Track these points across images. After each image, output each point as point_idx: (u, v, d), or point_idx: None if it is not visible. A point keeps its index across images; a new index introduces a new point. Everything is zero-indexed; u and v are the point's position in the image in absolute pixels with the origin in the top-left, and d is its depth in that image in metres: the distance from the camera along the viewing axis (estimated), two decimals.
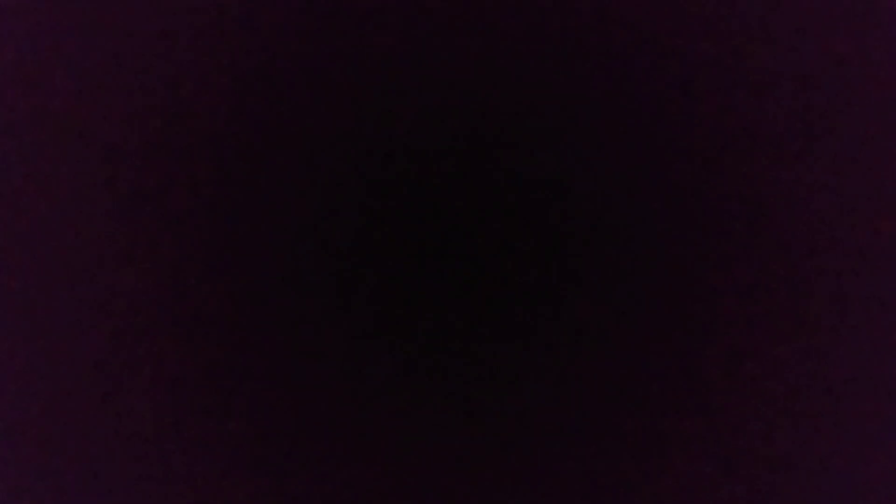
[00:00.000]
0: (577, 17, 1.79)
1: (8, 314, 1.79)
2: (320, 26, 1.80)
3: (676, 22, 1.80)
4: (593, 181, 1.78)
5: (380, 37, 1.79)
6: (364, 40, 1.79)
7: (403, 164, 1.78)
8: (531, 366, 1.77)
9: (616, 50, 1.79)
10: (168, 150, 1.79)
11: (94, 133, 1.79)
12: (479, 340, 1.77)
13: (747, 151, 1.79)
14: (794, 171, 1.78)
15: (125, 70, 1.80)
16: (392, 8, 1.80)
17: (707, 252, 1.78)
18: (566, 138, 1.78)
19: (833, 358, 1.77)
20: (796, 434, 1.77)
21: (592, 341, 1.77)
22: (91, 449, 1.77)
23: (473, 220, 1.77)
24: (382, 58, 1.79)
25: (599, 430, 1.76)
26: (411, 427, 1.76)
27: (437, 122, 1.78)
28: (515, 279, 1.77)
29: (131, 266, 1.78)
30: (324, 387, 1.77)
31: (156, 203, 1.79)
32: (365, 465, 1.77)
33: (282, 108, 1.79)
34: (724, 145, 1.79)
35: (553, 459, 1.76)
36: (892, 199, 1.79)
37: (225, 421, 1.76)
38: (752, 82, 1.79)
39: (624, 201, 1.78)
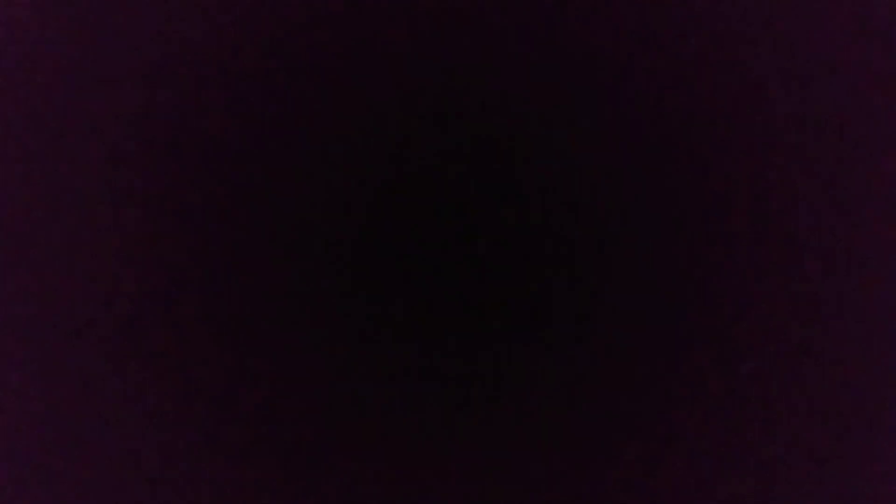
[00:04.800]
0: (577, 16, 1.80)
1: (8, 314, 1.79)
2: (321, 26, 1.81)
3: (676, 21, 1.80)
4: (592, 181, 1.78)
5: (381, 36, 1.80)
6: (366, 40, 1.80)
7: (403, 165, 1.78)
8: (530, 366, 1.77)
9: (616, 49, 1.79)
10: (168, 150, 1.80)
11: (94, 133, 1.79)
12: (479, 340, 1.77)
13: (747, 151, 1.79)
14: (793, 171, 1.79)
15: (125, 69, 1.80)
16: (393, 7, 1.80)
17: (706, 252, 1.78)
18: (565, 138, 1.78)
19: (833, 358, 1.78)
20: (796, 434, 1.77)
21: (592, 340, 1.77)
22: (90, 449, 1.78)
23: (474, 219, 1.77)
24: (383, 57, 1.80)
25: (599, 429, 1.76)
26: (411, 428, 1.77)
27: (437, 122, 1.78)
28: (515, 278, 1.77)
29: (131, 266, 1.78)
30: (324, 387, 1.77)
31: (155, 203, 1.79)
32: (365, 466, 1.77)
33: (282, 108, 1.80)
34: (724, 145, 1.79)
35: (553, 459, 1.77)
36: (892, 198, 1.79)
37: (224, 421, 1.77)
38: (752, 82, 1.80)
39: (623, 201, 1.78)
